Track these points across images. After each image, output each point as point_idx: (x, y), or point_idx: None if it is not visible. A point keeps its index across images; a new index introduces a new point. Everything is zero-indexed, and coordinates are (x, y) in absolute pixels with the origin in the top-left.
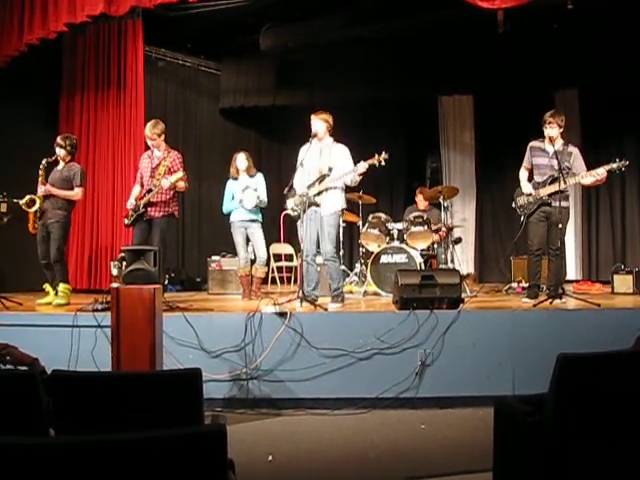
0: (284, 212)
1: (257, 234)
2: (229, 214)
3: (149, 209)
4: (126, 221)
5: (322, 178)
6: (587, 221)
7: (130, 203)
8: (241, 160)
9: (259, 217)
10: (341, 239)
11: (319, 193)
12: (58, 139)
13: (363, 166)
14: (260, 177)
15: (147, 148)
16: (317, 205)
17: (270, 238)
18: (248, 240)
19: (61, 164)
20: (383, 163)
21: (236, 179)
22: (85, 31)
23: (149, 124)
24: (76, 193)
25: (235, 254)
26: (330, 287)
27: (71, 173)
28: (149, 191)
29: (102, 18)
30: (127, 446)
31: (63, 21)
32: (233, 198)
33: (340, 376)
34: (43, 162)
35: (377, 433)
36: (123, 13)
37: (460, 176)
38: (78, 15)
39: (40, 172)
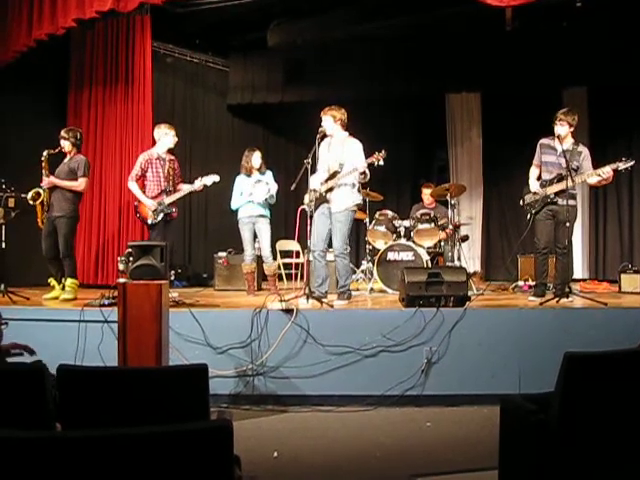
0: (300, 207)
1: (264, 230)
2: (237, 210)
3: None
4: (150, 221)
5: (333, 174)
6: (594, 220)
7: (153, 204)
8: (256, 157)
9: (267, 213)
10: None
11: (330, 189)
12: (62, 132)
13: (362, 165)
14: (270, 174)
15: (154, 143)
16: (328, 202)
17: (277, 234)
18: (255, 237)
19: (67, 157)
20: (382, 162)
21: (249, 176)
22: (93, 27)
23: (173, 130)
24: (79, 183)
25: (241, 251)
26: (337, 283)
27: (75, 164)
28: (168, 192)
29: (111, 14)
30: (133, 441)
31: (72, 17)
32: (242, 194)
33: (346, 373)
34: (44, 154)
35: (382, 430)
36: (132, 9)
37: (467, 174)
38: (87, 11)
39: (43, 164)
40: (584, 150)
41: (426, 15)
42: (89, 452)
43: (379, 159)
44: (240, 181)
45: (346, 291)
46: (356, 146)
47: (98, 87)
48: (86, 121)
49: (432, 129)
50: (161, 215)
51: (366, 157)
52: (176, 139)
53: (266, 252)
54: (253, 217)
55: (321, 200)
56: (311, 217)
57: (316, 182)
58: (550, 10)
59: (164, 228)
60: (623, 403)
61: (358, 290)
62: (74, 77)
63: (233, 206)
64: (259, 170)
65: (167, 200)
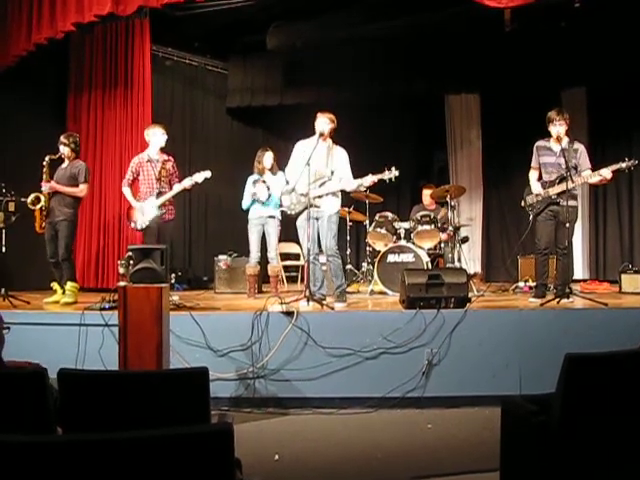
0: (279, 210)
1: (272, 231)
2: (247, 210)
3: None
4: (139, 225)
5: (324, 181)
6: (595, 220)
7: (141, 207)
8: (268, 158)
9: (277, 214)
10: (348, 238)
11: (320, 195)
12: (62, 137)
13: (371, 179)
14: (281, 175)
15: None
16: (317, 206)
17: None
18: (263, 239)
19: (66, 162)
20: (393, 179)
21: (262, 176)
22: (93, 30)
23: (162, 128)
24: (81, 189)
25: (242, 253)
26: (333, 285)
27: (76, 170)
28: (161, 193)
29: (110, 18)
30: (134, 445)
31: (71, 21)
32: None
33: (347, 375)
34: (46, 159)
35: (383, 432)
36: (131, 12)
37: (467, 175)
38: (86, 15)
39: (44, 169)
40: (580, 147)
41: (425, 16)
42: (90, 456)
43: (391, 177)
44: (251, 181)
45: (343, 291)
46: (344, 155)
47: (97, 90)
48: (85, 125)
49: (432, 130)
50: (151, 217)
51: (374, 172)
52: (165, 137)
53: (272, 253)
54: (263, 218)
55: (307, 204)
56: (294, 219)
57: (305, 185)
58: (549, 11)
59: (157, 231)
60: (624, 404)
61: (359, 292)
62: (73, 81)
63: (244, 206)
64: (271, 170)
65: (157, 202)
